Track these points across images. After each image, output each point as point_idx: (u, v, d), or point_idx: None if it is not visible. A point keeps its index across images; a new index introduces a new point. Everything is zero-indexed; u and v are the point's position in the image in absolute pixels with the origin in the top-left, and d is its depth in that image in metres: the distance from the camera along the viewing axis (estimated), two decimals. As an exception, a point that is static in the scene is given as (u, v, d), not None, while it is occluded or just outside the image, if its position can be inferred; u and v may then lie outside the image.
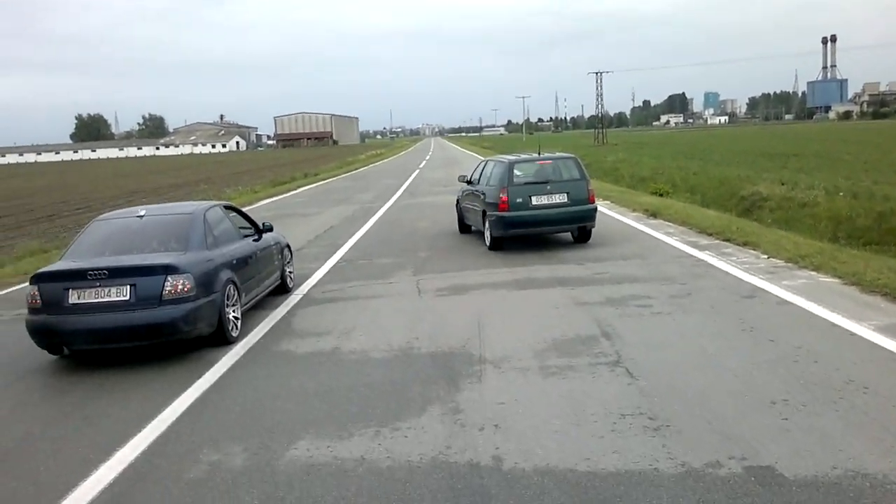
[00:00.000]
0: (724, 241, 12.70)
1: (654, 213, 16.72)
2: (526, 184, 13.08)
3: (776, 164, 34.79)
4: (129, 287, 7.27)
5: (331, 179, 42.42)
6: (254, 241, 9.62)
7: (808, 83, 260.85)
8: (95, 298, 7.27)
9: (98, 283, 7.26)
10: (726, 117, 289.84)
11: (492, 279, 10.75)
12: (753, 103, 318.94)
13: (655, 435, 5.08)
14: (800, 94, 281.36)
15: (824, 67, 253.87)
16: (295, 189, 34.95)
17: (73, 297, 7.30)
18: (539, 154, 14.52)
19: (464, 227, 15.83)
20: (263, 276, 9.64)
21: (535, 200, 12.83)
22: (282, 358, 7.53)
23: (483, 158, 16.61)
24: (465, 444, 5.15)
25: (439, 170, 45.46)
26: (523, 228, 13.09)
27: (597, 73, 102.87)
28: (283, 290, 10.55)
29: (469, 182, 15.28)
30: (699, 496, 4.25)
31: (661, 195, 22.63)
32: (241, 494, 4.66)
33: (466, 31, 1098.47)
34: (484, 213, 13.54)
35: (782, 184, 22.72)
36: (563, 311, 8.64)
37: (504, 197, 12.80)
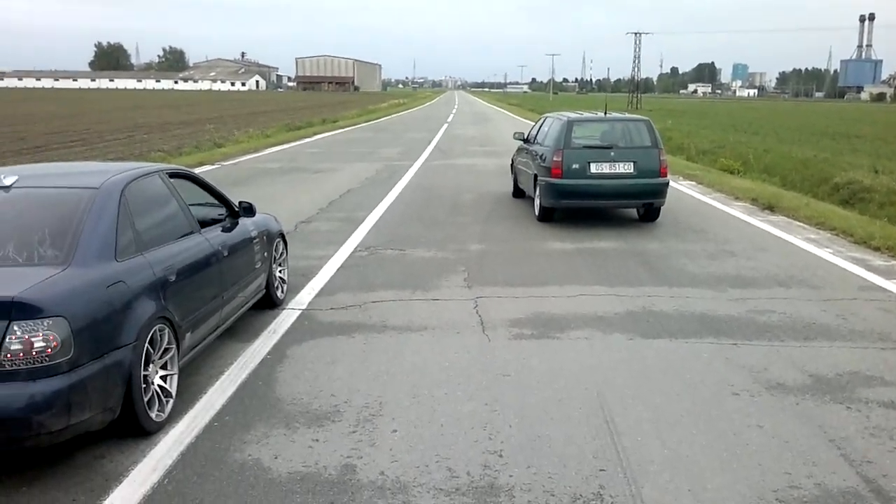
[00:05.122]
0: (907, 262, 8.89)
1: (769, 206, 12.82)
2: (586, 147, 11.16)
3: (844, 146, 30.70)
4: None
5: (351, 128, 38.29)
6: (223, 230, 5.87)
7: (842, 61, 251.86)
8: None
9: None
10: (755, 90, 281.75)
11: (591, 307, 6.98)
12: (783, 78, 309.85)
13: None
14: (832, 72, 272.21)
15: (859, 46, 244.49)
16: (311, 136, 30.91)
17: None
18: (605, 113, 12.36)
19: (517, 191, 13.80)
20: (233, 294, 5.78)
21: (594, 168, 10.90)
22: (246, 492, 3.85)
23: (539, 115, 13.07)
24: None
25: (470, 126, 41.23)
26: (578, 200, 11.16)
27: (635, 34, 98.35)
28: (269, 303, 6.83)
29: (525, 140, 13.14)
30: None
31: (731, 173, 19.35)
32: None
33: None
34: (535, 176, 11.58)
35: (875, 171, 19.10)
36: (751, 404, 4.86)
37: (558, 160, 10.87)
